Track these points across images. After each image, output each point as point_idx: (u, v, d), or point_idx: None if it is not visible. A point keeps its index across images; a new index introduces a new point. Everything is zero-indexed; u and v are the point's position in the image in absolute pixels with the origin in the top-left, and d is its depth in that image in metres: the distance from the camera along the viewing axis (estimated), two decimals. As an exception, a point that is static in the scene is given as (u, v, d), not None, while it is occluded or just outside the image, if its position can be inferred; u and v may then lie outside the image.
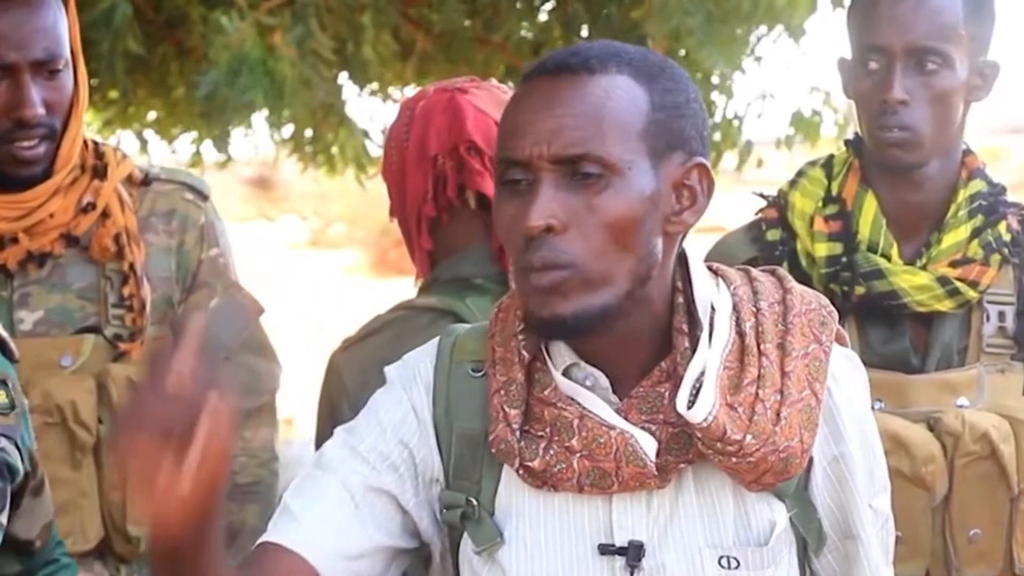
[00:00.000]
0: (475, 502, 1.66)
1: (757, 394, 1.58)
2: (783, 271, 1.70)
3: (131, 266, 2.41)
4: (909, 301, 2.35)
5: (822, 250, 2.40)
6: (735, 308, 1.64)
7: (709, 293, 1.65)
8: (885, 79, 2.32)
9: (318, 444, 2.32)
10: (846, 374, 1.69)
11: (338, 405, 2.27)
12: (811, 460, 1.65)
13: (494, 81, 2.46)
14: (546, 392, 1.64)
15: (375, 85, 5.83)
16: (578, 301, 1.57)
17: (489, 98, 2.32)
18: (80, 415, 2.37)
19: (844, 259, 2.38)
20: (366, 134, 5.62)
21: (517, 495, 1.66)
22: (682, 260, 1.67)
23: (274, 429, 2.70)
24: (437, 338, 1.75)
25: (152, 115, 6.03)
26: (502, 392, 1.65)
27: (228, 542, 2.46)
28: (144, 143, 6.02)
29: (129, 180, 2.49)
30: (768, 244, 2.44)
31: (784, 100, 5.57)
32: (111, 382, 2.38)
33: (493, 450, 1.64)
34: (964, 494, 2.31)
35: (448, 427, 1.69)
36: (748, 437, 1.56)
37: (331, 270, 16.99)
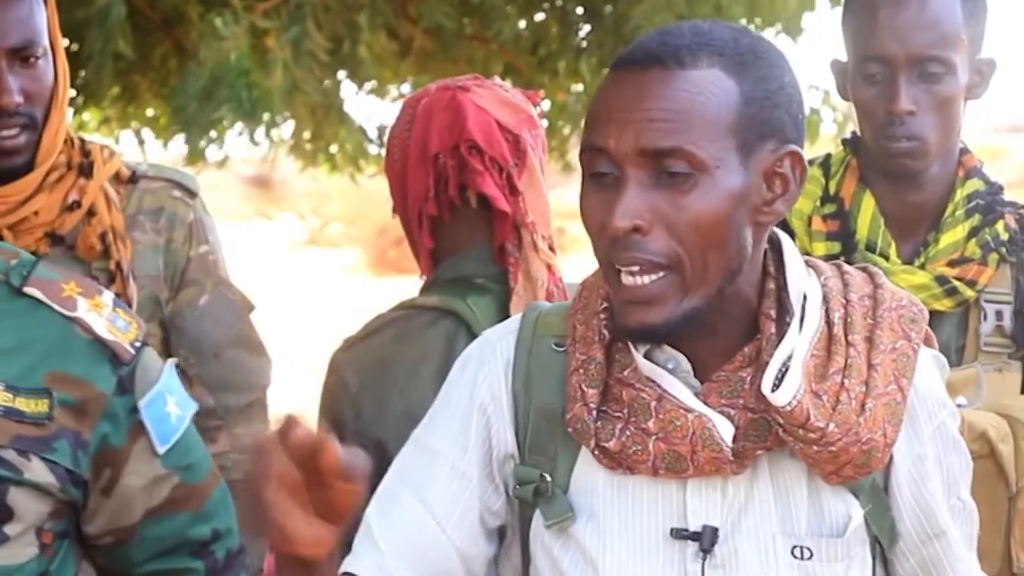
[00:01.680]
0: (549, 478, 1.65)
1: (843, 383, 1.57)
2: (875, 268, 1.69)
3: (117, 264, 2.39)
4: (907, 301, 2.35)
5: (820, 249, 2.40)
6: (825, 298, 1.62)
7: (802, 281, 1.63)
8: (890, 89, 2.32)
9: None
10: (931, 372, 1.67)
11: (339, 405, 2.27)
12: (892, 458, 1.63)
13: (497, 79, 2.46)
14: (625, 372, 1.63)
15: (373, 83, 5.82)
16: (669, 308, 1.56)
17: (491, 96, 2.31)
18: None
19: (842, 258, 2.37)
20: (362, 130, 5.61)
21: (593, 474, 1.65)
22: (775, 245, 1.65)
23: (265, 425, 2.69)
24: (519, 314, 1.75)
25: (150, 113, 6.03)
26: (580, 371, 1.64)
27: None
28: (142, 142, 6.02)
29: (116, 178, 2.47)
30: (766, 243, 2.43)
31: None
32: None
33: (570, 429, 1.63)
34: (962, 493, 2.31)
35: (527, 401, 1.68)
36: (831, 425, 1.55)
37: (329, 269, 16.99)
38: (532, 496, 1.66)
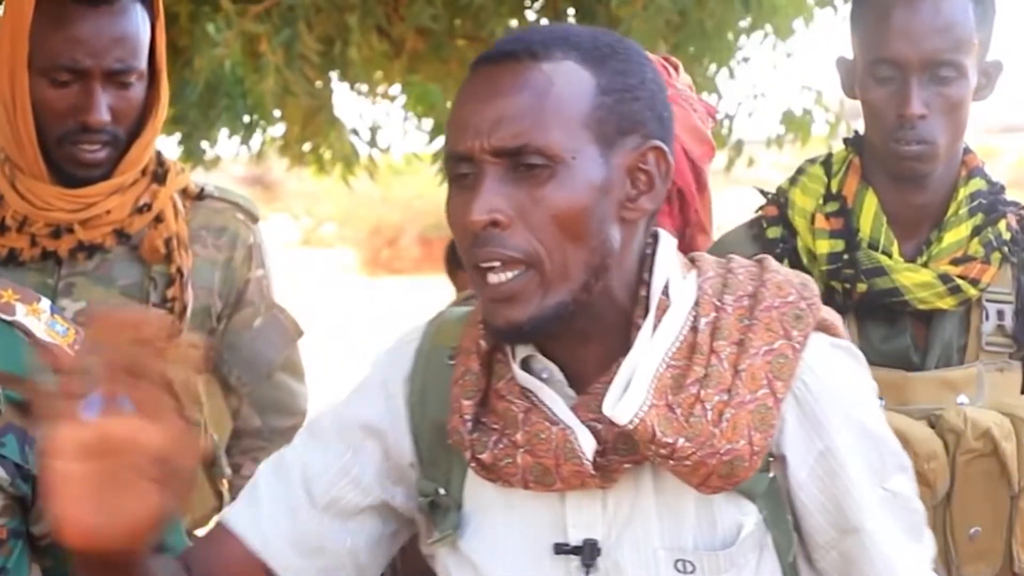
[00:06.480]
0: (443, 492, 1.65)
1: (698, 394, 1.52)
2: (770, 259, 1.64)
3: (178, 270, 2.47)
4: (911, 298, 2.34)
5: (824, 247, 2.39)
6: (696, 303, 1.57)
7: (667, 284, 1.58)
8: (901, 93, 2.30)
9: None
10: (829, 364, 1.59)
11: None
12: (786, 460, 1.58)
13: (689, 86, 2.39)
14: (501, 384, 1.61)
15: (365, 85, 5.81)
16: (533, 304, 1.53)
17: (684, 121, 2.25)
18: None
19: (846, 256, 2.37)
20: (355, 132, 5.60)
21: (482, 488, 1.63)
22: (655, 248, 1.61)
23: None
24: (427, 319, 1.72)
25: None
26: (460, 382, 1.62)
27: None
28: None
29: (184, 192, 2.56)
30: (769, 241, 2.42)
31: (775, 99, 5.56)
32: None
33: (449, 441, 1.62)
34: (965, 491, 2.29)
35: (421, 414, 1.66)
36: (681, 440, 1.50)
37: (323, 269, 17.00)
38: (430, 509, 1.65)
